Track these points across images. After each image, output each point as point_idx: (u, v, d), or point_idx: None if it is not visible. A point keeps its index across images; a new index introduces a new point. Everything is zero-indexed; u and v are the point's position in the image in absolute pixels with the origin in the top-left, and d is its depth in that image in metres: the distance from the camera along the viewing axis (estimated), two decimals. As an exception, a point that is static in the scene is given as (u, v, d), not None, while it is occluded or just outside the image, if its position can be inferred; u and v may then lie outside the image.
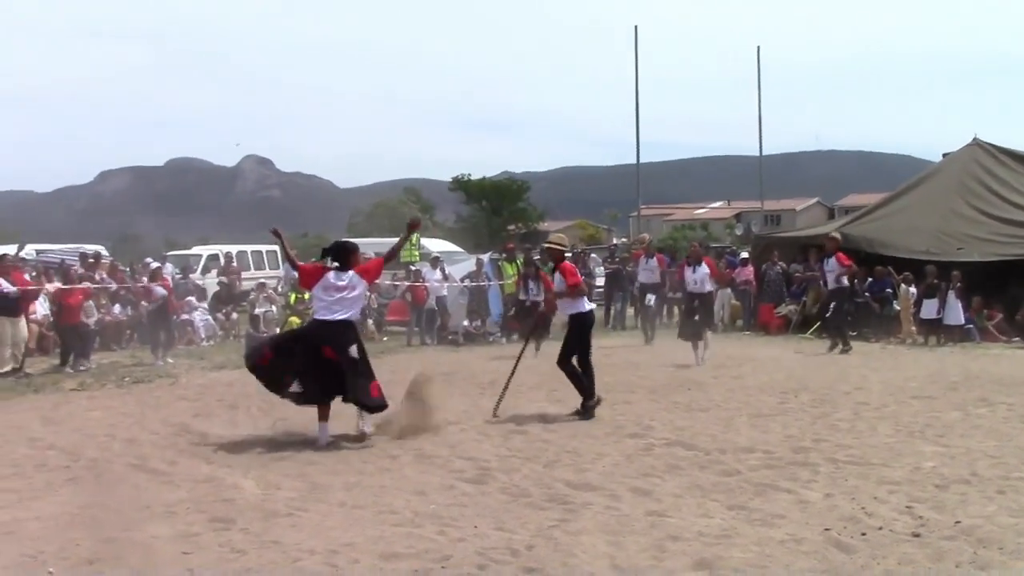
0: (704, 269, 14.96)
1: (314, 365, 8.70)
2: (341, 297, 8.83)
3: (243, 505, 6.58)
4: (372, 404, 8.84)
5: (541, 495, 6.73)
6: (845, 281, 16.22)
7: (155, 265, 19.16)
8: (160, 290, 16.44)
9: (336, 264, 9.02)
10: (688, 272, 15.29)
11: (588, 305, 10.47)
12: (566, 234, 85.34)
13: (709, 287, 15.06)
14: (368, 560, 5.33)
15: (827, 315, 16.22)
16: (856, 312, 18.08)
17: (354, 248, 9.39)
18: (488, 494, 6.82)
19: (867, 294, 18.63)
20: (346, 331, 8.83)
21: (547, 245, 11.01)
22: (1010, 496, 6.47)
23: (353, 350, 8.76)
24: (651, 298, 18.48)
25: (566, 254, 11.15)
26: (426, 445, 8.53)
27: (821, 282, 17.42)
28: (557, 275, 10.50)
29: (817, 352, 15.90)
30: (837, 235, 17.18)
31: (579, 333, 10.25)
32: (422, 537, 5.73)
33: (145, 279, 17.90)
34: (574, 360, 10.20)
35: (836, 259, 15.99)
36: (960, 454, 7.83)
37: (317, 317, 8.97)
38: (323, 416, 8.77)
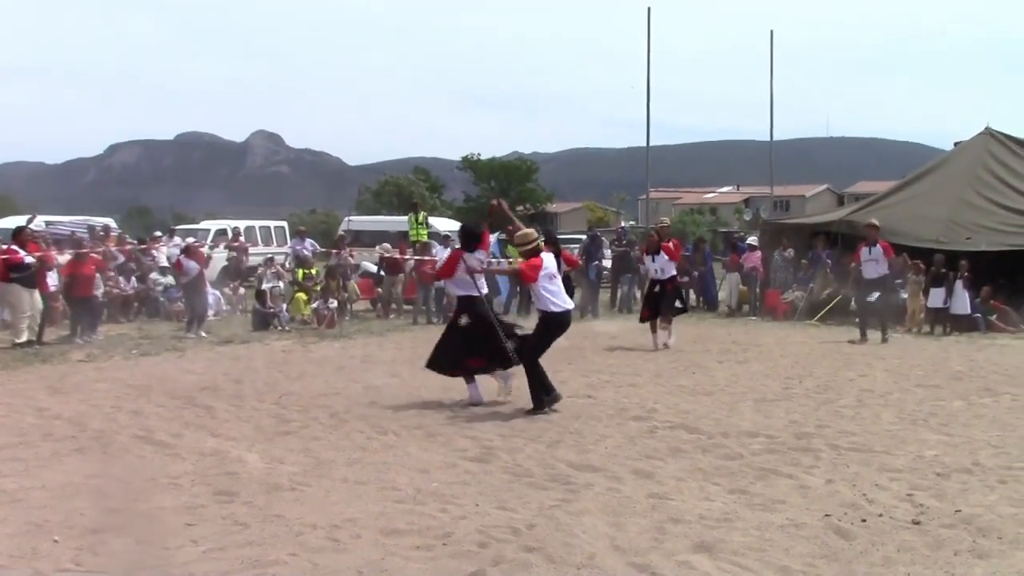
0: (663, 256, 14.88)
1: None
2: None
3: (247, 479, 6.64)
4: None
5: (543, 475, 6.77)
6: (887, 269, 15.96)
7: (192, 240, 19.22)
8: (193, 264, 16.50)
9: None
10: (648, 260, 15.35)
11: (557, 306, 9.40)
12: (574, 216, 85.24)
13: (671, 272, 14.94)
14: (370, 536, 5.37)
15: (870, 304, 15.78)
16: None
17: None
18: (491, 473, 6.85)
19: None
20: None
21: (523, 247, 9.59)
22: (1011, 486, 6.47)
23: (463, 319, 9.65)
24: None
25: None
26: (430, 423, 8.58)
27: (856, 270, 16.67)
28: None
29: (824, 339, 15.88)
30: (876, 222, 16.65)
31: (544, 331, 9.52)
32: (424, 514, 5.77)
33: (176, 252, 18.00)
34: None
35: (881, 247, 15.72)
36: (962, 443, 7.84)
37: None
38: (470, 379, 9.63)
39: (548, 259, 9.48)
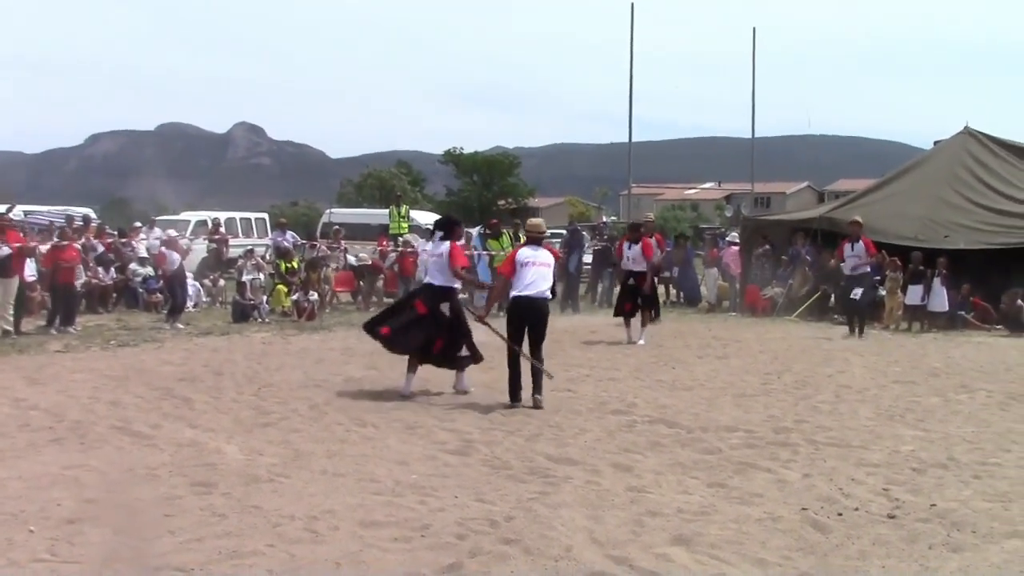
0: (637, 248, 14.87)
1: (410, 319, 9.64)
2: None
3: (225, 470, 6.62)
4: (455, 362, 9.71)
5: (522, 468, 6.78)
6: (868, 268, 16.07)
7: (173, 232, 19.18)
8: (175, 255, 16.47)
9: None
10: (625, 247, 15.31)
11: (514, 292, 9.48)
12: (556, 211, 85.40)
13: (642, 266, 14.91)
14: (348, 527, 5.37)
15: (852, 300, 15.93)
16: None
17: (457, 222, 10.64)
18: (470, 465, 6.86)
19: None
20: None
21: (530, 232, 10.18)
22: (985, 481, 6.55)
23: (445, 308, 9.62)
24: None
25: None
26: (409, 415, 8.58)
27: (838, 267, 16.66)
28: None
29: (803, 335, 15.97)
30: (860, 219, 16.74)
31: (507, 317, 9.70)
32: (402, 506, 5.77)
33: (157, 244, 17.94)
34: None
35: (864, 244, 15.83)
36: (938, 439, 7.91)
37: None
38: (411, 368, 9.64)
39: (526, 250, 9.61)
